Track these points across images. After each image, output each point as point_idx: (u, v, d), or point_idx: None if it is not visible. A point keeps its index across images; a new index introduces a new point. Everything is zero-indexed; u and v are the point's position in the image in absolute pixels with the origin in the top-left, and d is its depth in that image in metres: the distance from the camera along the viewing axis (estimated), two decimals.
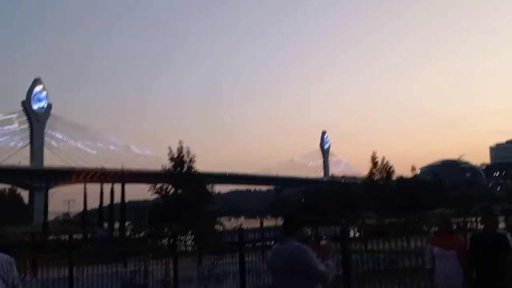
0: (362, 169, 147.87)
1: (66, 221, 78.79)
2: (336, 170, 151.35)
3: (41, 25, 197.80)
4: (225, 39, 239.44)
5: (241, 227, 10.59)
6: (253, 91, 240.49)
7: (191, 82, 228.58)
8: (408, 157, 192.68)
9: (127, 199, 41.61)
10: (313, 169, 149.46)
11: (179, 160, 29.15)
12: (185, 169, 29.05)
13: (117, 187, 36.63)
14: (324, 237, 11.17)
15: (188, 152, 29.65)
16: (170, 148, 30.02)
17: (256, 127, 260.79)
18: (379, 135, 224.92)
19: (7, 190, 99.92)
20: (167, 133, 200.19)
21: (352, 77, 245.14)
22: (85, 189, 51.96)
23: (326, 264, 4.14)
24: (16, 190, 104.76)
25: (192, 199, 27.25)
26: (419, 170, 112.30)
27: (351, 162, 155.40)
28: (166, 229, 22.32)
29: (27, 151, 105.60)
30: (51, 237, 28.71)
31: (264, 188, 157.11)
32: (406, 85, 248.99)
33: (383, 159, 39.29)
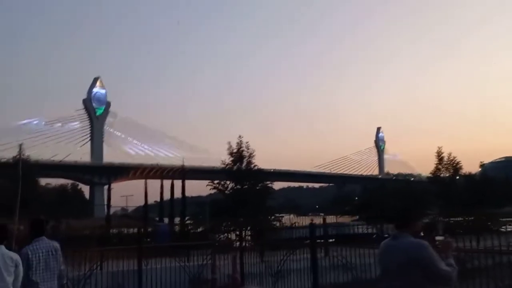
0: (418, 166, 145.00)
1: (124, 215, 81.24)
2: (391, 167, 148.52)
3: (101, 23, 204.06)
4: (277, 34, 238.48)
5: (312, 222, 10.18)
6: (305, 85, 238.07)
7: (240, 77, 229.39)
8: (469, 153, 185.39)
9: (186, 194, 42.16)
10: (367, 167, 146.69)
11: (239, 155, 28.88)
12: (244, 164, 28.77)
13: (176, 183, 37.33)
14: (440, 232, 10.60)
15: (247, 147, 29.32)
16: (229, 143, 29.84)
17: (308, 123, 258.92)
18: (436, 131, 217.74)
19: (69, 185, 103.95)
20: (218, 131, 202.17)
21: (411, 72, 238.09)
22: (146, 184, 53.11)
23: (448, 263, 3.58)
24: (77, 186, 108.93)
25: (252, 194, 27.02)
26: (482, 167, 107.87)
27: (406, 159, 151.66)
28: (224, 224, 22.25)
29: (87, 148, 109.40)
30: (113, 231, 29.43)
31: (316, 185, 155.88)
32: (466, 81, 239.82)
33: (450, 154, 37.75)
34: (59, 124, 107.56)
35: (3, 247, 5.22)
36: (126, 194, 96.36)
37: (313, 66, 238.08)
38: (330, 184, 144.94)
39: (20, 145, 39.01)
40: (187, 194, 39.50)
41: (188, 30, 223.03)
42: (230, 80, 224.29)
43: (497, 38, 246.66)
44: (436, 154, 37.88)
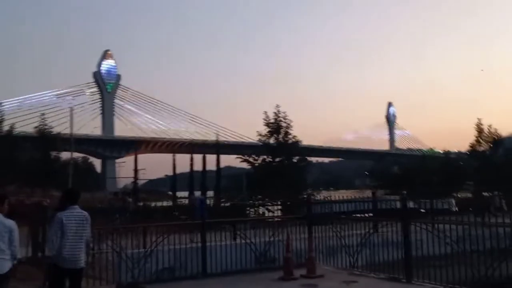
0: (427, 140, 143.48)
1: (136, 189, 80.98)
2: (401, 142, 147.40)
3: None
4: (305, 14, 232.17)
5: (404, 195, 9.28)
6: (317, 64, 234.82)
7: (247, 57, 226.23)
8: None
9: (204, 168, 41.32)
10: (378, 141, 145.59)
11: (276, 126, 27.41)
12: (281, 135, 27.40)
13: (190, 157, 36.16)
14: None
15: (284, 118, 27.72)
16: (266, 113, 28.08)
17: (320, 100, 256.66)
18: (446, 106, 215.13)
19: (80, 158, 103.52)
20: (238, 107, 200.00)
21: (421, 47, 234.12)
22: (174, 158, 52.45)
23: None
24: (88, 159, 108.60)
25: (288, 167, 25.98)
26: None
27: (416, 134, 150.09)
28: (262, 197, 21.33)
29: (99, 121, 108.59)
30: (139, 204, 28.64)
31: (326, 160, 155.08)
32: (476, 56, 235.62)
33: (490, 127, 36.37)
34: (70, 97, 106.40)
35: (0, 215, 5.65)
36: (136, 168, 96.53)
37: (320, 45, 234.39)
38: (341, 159, 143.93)
39: (42, 118, 38.50)
40: (210, 168, 38.69)
41: None
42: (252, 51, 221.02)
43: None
44: (475, 127, 36.45)
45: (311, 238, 10.32)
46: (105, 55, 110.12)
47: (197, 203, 20.91)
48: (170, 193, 51.68)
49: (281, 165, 26.30)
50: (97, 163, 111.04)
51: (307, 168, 28.60)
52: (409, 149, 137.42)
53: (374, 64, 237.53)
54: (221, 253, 10.22)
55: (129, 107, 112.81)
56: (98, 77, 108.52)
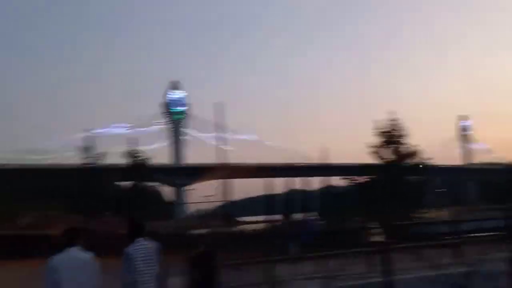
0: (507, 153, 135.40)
1: (208, 214, 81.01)
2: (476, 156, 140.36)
3: (176, 27, 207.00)
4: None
5: None
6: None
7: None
8: None
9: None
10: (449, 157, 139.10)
11: (389, 136, 24.89)
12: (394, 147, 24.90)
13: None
14: None
15: (399, 126, 24.93)
16: (375, 122, 25.34)
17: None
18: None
19: (151, 188, 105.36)
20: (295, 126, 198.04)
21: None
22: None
23: None
24: (159, 188, 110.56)
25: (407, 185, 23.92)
26: None
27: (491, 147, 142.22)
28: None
29: (167, 150, 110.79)
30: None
31: None
32: None
33: None
34: (141, 129, 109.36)
35: (74, 248, 5.50)
36: (207, 194, 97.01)
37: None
38: None
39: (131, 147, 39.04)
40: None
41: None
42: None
43: None
44: None
45: None
46: (174, 85, 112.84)
47: (308, 227, 19.50)
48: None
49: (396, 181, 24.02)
50: (165, 190, 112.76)
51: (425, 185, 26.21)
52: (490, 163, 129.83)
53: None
54: None
55: (198, 134, 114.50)
56: (166, 107, 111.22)
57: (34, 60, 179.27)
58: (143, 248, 6.01)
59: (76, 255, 5.46)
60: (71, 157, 70.44)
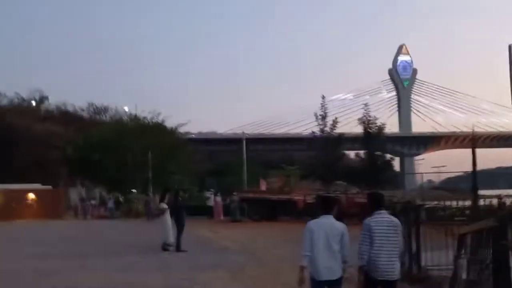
0: None
1: (434, 187, 76.47)
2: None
3: None
4: None
5: None
6: None
7: None
8: None
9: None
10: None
11: None
12: None
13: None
14: None
15: None
16: None
17: None
18: None
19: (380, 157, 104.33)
20: None
21: None
22: (473, 152, 47.33)
23: None
24: (386, 157, 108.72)
25: None
26: None
27: None
28: None
29: (395, 118, 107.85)
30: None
31: None
32: None
33: None
34: (367, 97, 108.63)
35: (331, 217, 5.64)
36: (437, 165, 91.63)
37: None
38: None
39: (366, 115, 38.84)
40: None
41: None
42: None
43: None
44: None
45: None
46: (401, 50, 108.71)
47: None
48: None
49: None
50: (395, 161, 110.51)
51: None
52: None
53: None
54: None
55: (425, 101, 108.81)
56: (393, 73, 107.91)
57: None
58: (384, 221, 5.73)
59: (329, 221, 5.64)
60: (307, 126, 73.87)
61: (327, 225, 5.57)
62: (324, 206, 5.79)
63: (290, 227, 22.65)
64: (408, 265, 9.58)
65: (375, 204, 5.91)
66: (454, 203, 12.07)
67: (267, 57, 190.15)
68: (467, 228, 7.12)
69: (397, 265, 5.76)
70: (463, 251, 7.06)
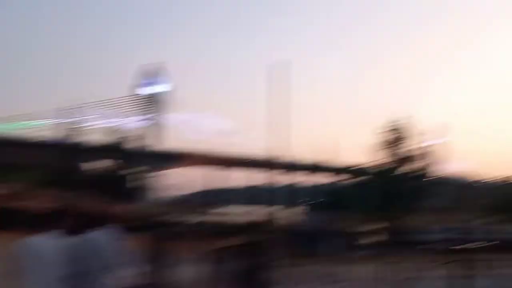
0: None
1: (180, 201, 79.38)
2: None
3: None
4: None
5: None
6: None
7: None
8: None
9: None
10: None
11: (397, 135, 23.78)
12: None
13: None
14: None
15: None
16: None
17: None
18: None
19: (125, 170, 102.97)
20: None
21: None
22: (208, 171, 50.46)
23: None
24: (133, 171, 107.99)
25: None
26: None
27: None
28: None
29: (144, 133, 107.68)
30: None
31: None
32: None
33: None
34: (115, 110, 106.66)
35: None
36: (181, 181, 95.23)
37: None
38: None
39: None
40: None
41: None
42: None
43: None
44: None
45: None
46: (148, 67, 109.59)
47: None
48: None
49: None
50: (139, 174, 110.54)
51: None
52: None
53: None
54: None
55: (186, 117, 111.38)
56: (142, 84, 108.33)
57: None
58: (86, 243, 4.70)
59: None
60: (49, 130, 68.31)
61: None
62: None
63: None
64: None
65: (82, 224, 4.73)
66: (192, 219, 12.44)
67: None
68: (222, 243, 7.30)
69: None
70: (218, 264, 7.14)
